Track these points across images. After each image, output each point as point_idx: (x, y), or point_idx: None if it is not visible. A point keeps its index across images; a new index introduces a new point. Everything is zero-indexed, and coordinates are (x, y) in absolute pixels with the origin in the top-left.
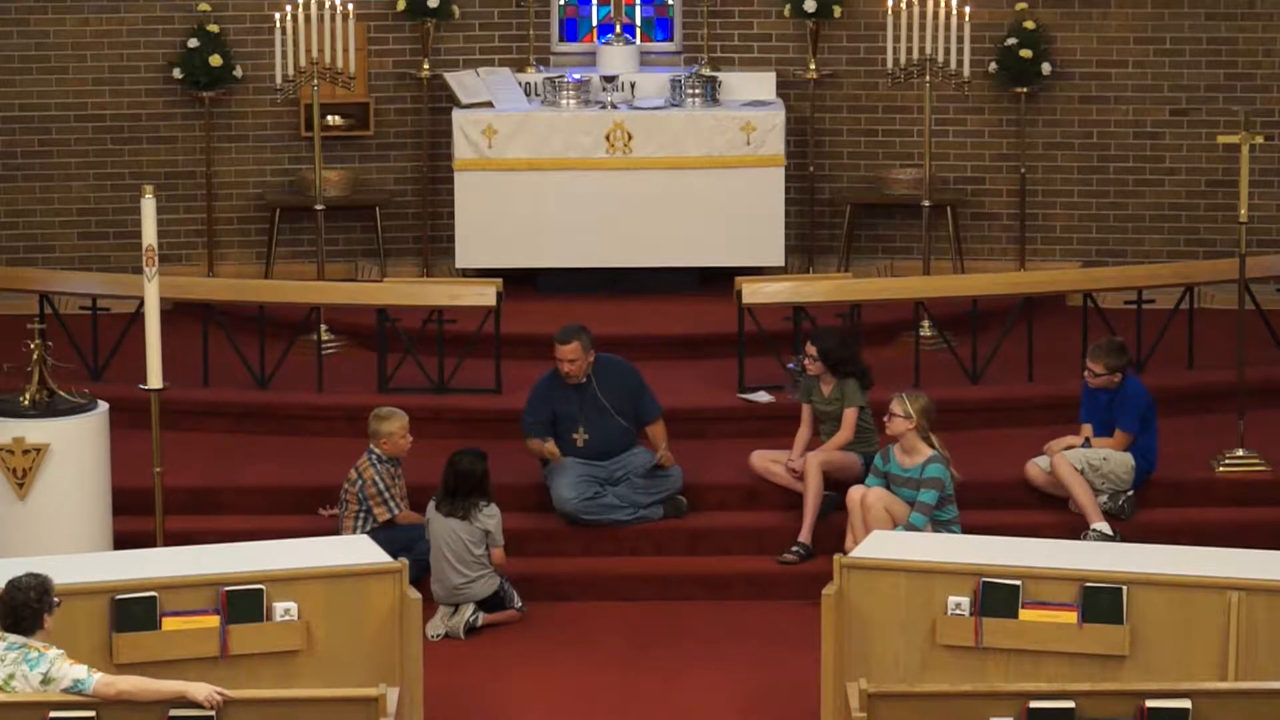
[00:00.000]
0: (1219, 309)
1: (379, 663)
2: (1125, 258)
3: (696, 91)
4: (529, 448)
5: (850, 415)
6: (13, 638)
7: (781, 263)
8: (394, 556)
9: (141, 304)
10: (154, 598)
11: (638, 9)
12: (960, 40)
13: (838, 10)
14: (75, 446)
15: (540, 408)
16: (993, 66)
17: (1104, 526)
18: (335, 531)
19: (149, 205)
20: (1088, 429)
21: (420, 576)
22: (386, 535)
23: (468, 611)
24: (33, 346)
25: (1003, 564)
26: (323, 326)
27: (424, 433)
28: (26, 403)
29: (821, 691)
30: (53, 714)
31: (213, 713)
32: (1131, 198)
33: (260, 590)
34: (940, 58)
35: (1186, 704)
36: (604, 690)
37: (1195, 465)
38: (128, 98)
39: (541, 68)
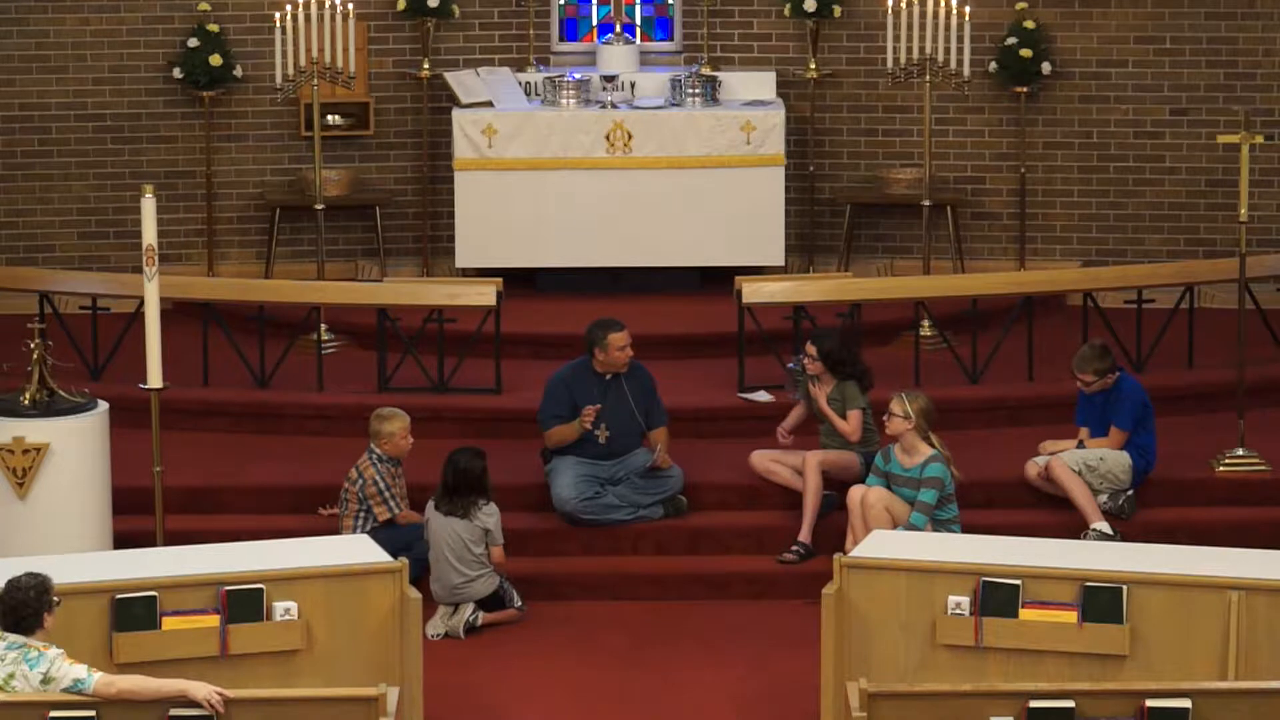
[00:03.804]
0: (1219, 309)
1: (379, 662)
2: (1125, 258)
3: (696, 91)
4: (554, 438)
5: (856, 417)
6: (13, 637)
7: (781, 262)
8: (394, 556)
9: (141, 304)
10: (154, 597)
11: (638, 8)
12: (960, 40)
13: (838, 10)
14: (75, 446)
15: (561, 400)
16: (993, 66)
17: (1104, 526)
18: (335, 531)
19: (149, 205)
20: (1084, 431)
21: (420, 576)
22: (386, 535)
23: (467, 611)
24: (33, 346)
25: (1003, 564)
26: (323, 326)
27: (424, 433)
28: (26, 403)
29: (821, 691)
30: (53, 714)
31: (212, 713)
32: (1131, 197)
33: (260, 590)
34: (940, 57)
35: (1186, 704)
36: (604, 690)
37: (1195, 465)
38: (128, 97)
39: (541, 67)
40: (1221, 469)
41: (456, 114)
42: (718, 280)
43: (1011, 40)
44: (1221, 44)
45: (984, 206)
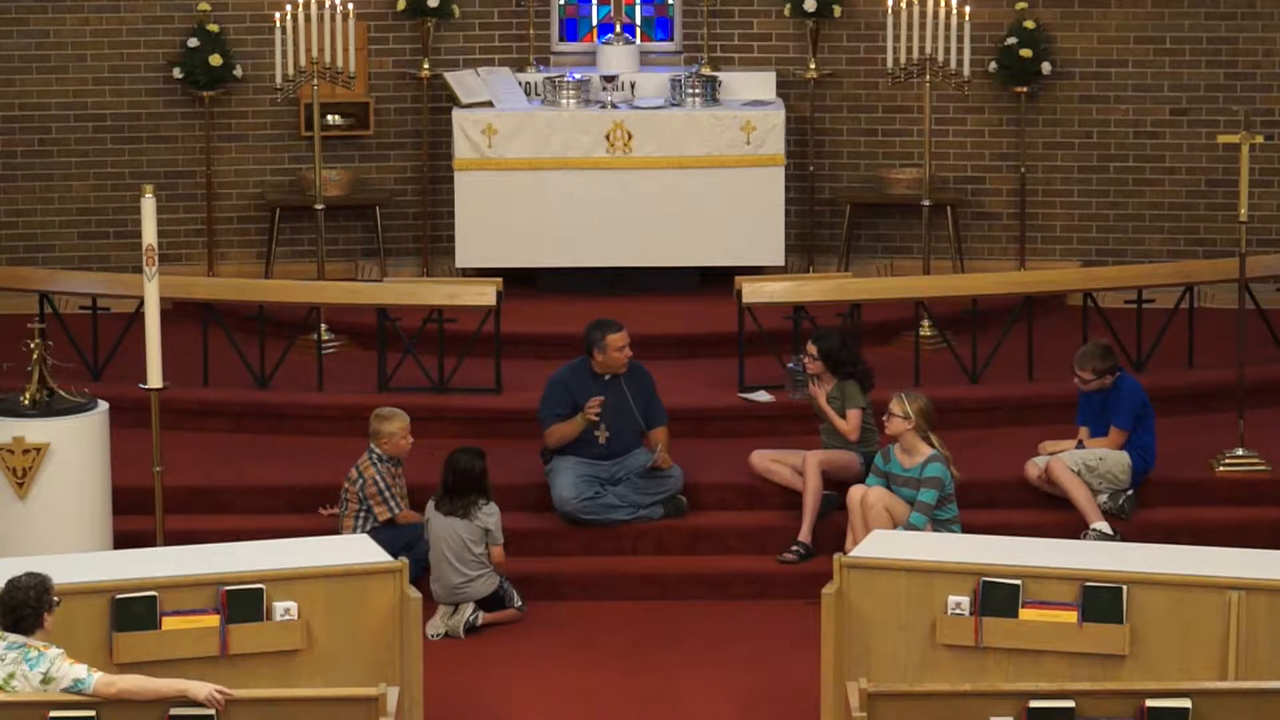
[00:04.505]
0: (1219, 309)
1: (379, 662)
2: (1125, 257)
3: (696, 91)
4: (556, 436)
5: (855, 416)
6: (13, 637)
7: (781, 262)
8: (394, 556)
9: (141, 304)
10: (154, 597)
11: (638, 8)
12: (960, 40)
13: (838, 10)
14: (75, 446)
15: (562, 399)
16: (993, 66)
17: (1104, 526)
18: (335, 531)
19: (149, 205)
20: (1084, 431)
21: (420, 576)
22: (386, 535)
23: (468, 611)
24: (33, 346)
25: (1003, 564)
26: (323, 326)
27: (424, 432)
28: (26, 402)
29: (821, 691)
30: (53, 714)
31: (213, 712)
32: (1131, 197)
33: (260, 590)
34: (940, 57)
35: (1186, 704)
36: (604, 690)
37: (1195, 465)
38: (128, 97)
39: (541, 67)
40: (1221, 469)
41: (456, 114)
42: (718, 280)
43: (1011, 40)
44: (1221, 44)
45: (984, 206)
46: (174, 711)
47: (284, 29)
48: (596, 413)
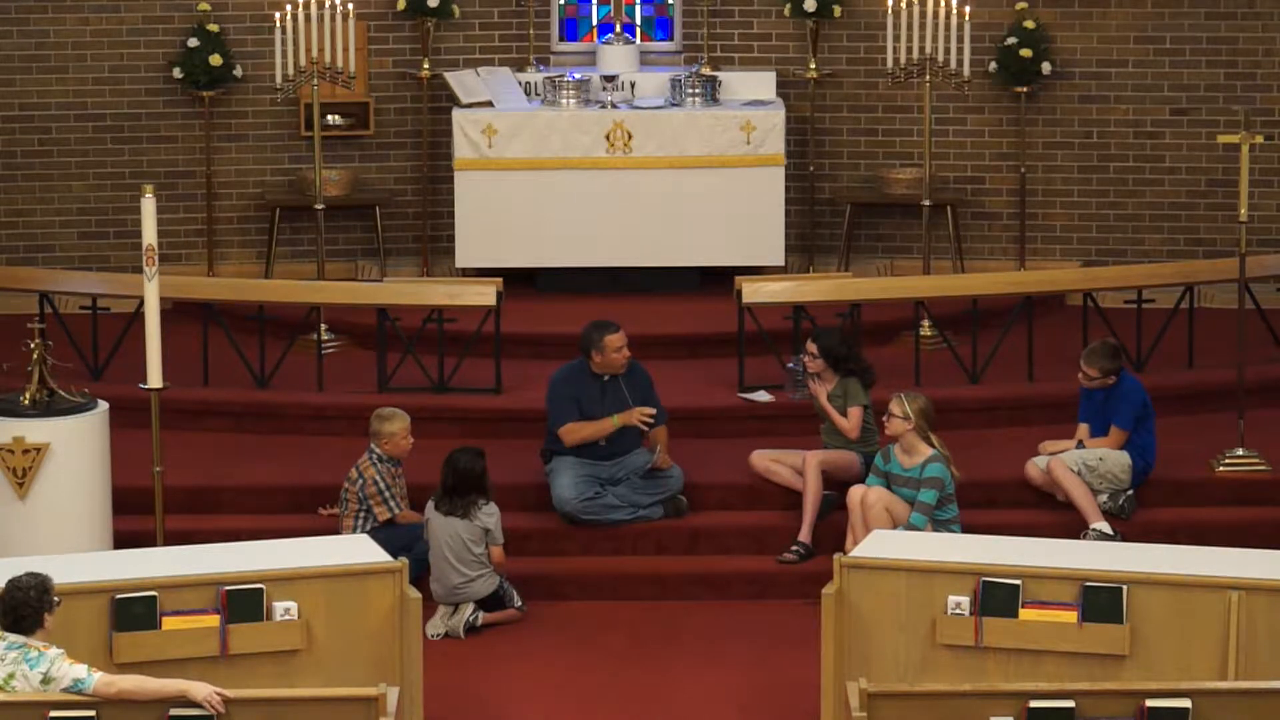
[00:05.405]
0: (1219, 308)
1: (379, 662)
2: (1125, 257)
3: (696, 91)
4: (578, 435)
5: (856, 414)
6: (13, 637)
7: (781, 262)
8: (394, 556)
9: (141, 304)
10: (154, 597)
11: (638, 8)
12: (960, 40)
13: (838, 10)
14: (75, 446)
15: (568, 401)
16: (993, 66)
17: (1104, 526)
18: (335, 531)
19: (149, 205)
20: (1084, 429)
21: (420, 576)
22: (386, 535)
23: (468, 611)
24: (33, 346)
25: (1003, 564)
26: (323, 326)
27: (424, 432)
28: (26, 402)
29: (821, 691)
30: (53, 714)
31: (213, 713)
32: (1131, 197)
33: (260, 590)
34: (940, 57)
35: (1186, 704)
36: (604, 689)
37: (1195, 465)
38: (128, 97)
39: (541, 67)
40: (1221, 469)
41: (456, 114)
42: (718, 280)
43: (1011, 40)
44: (1221, 44)
45: (984, 206)
46: (174, 711)
47: (284, 29)
48: (649, 420)
